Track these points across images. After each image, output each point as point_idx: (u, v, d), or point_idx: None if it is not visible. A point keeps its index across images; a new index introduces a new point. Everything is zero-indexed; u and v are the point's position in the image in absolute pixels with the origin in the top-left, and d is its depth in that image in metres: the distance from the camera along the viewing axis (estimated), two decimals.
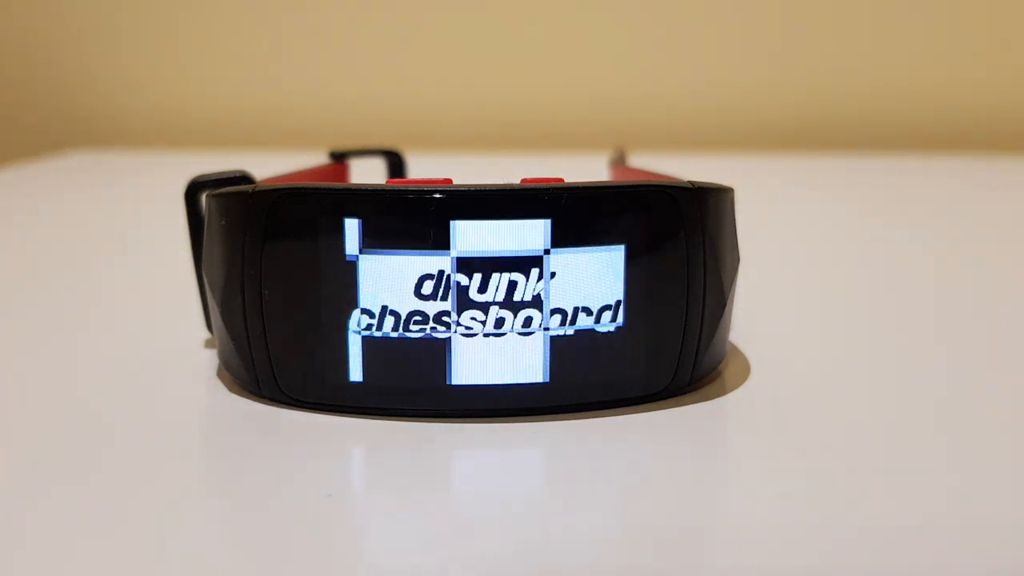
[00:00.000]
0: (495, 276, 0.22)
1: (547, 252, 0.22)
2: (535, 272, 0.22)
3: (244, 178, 0.26)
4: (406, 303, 0.22)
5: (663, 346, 0.23)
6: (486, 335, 0.22)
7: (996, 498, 0.20)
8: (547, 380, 0.23)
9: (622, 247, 0.22)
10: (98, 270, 0.41)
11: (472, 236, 0.22)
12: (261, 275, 0.23)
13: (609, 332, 0.23)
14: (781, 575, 0.17)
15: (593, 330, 0.23)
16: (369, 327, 0.22)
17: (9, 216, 0.55)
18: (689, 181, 0.23)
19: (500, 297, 0.22)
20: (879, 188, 0.65)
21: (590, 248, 0.22)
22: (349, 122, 0.83)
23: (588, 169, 0.33)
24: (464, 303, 0.22)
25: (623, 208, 0.22)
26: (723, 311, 0.24)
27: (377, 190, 0.22)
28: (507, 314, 0.22)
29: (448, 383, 0.22)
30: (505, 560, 0.17)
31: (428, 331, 0.22)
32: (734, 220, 0.25)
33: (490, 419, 0.23)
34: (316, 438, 0.22)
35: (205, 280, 0.25)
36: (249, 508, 0.19)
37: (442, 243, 0.22)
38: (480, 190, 0.22)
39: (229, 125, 0.85)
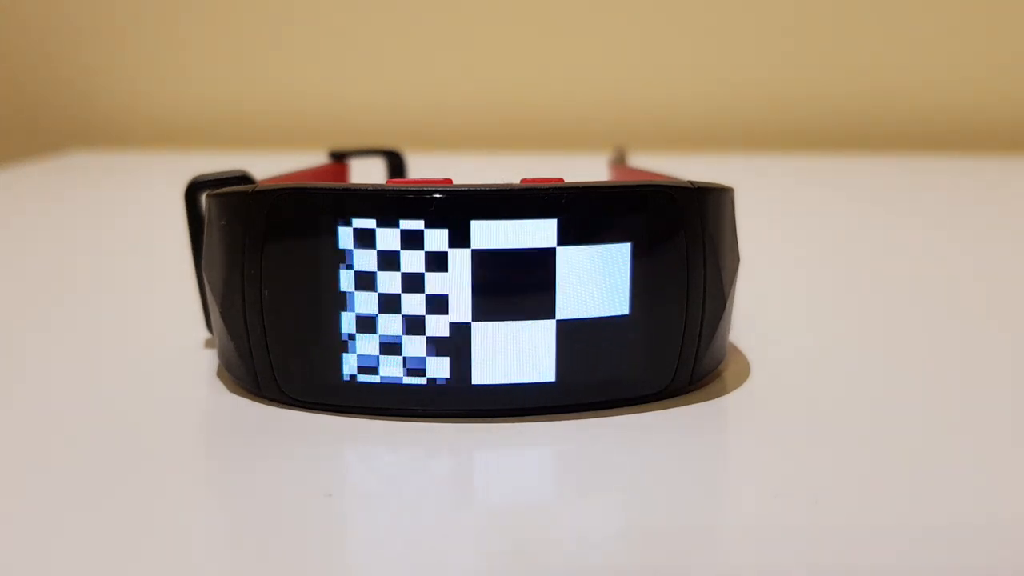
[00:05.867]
0: (495, 276, 0.22)
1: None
2: (535, 273, 0.22)
3: (244, 178, 0.26)
4: (406, 303, 0.22)
5: (663, 346, 0.23)
6: (487, 335, 0.22)
7: (997, 499, 0.20)
8: (547, 380, 0.23)
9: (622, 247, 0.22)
10: (98, 270, 0.41)
11: (471, 236, 0.22)
12: (261, 275, 0.23)
13: (610, 332, 0.23)
14: (780, 575, 0.17)
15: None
16: (369, 327, 0.22)
17: (9, 216, 0.55)
18: (689, 181, 0.23)
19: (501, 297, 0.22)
20: (879, 188, 0.65)
21: (590, 248, 0.22)
22: (349, 122, 0.83)
23: (588, 169, 0.33)
24: (464, 303, 0.22)
25: (623, 208, 0.22)
26: (723, 311, 0.24)
27: (377, 190, 0.22)
28: (508, 313, 0.22)
29: (448, 383, 0.22)
30: (505, 560, 0.17)
31: (427, 331, 0.22)
32: (734, 220, 0.25)
33: (491, 419, 0.23)
34: (316, 438, 0.22)
35: (205, 280, 0.25)
36: (249, 508, 0.19)
37: (442, 243, 0.22)
38: (480, 190, 0.22)
39: (229, 125, 0.85)
